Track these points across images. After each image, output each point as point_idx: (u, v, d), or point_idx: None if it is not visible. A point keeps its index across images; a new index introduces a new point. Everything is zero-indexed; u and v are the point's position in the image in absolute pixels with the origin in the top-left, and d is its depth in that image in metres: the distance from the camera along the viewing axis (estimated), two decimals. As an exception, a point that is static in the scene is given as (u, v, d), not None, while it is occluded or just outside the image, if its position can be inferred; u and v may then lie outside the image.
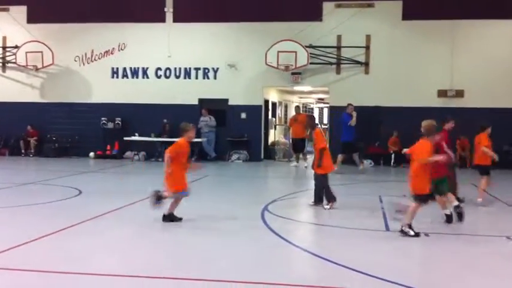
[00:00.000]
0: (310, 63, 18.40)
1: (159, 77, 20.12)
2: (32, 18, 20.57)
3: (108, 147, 20.08)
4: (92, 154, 19.93)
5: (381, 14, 18.73)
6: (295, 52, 18.08)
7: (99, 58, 20.39)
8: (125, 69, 20.28)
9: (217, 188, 12.99)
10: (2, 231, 7.53)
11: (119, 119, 19.88)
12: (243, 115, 19.58)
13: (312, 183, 14.61)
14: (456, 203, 8.39)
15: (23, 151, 20.34)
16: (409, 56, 18.56)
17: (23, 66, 20.03)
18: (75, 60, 20.49)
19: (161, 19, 19.86)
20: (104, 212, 8.79)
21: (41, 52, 19.76)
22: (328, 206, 9.53)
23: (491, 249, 6.89)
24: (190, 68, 19.92)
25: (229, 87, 19.56)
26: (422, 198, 7.21)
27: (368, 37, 18.76)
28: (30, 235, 6.97)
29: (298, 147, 18.48)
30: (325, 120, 27.67)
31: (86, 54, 20.44)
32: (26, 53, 19.82)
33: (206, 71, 19.83)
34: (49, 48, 19.80)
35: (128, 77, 20.28)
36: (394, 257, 6.51)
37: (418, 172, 7.22)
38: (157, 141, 19.24)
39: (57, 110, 20.38)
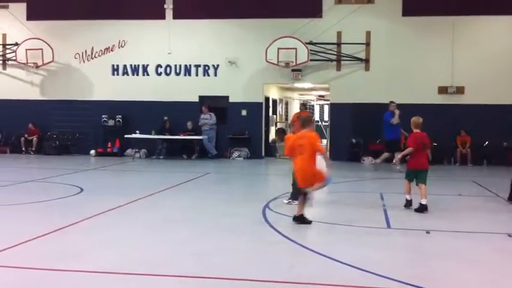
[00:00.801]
0: (311, 60, 18.39)
1: (159, 74, 20.12)
2: (31, 15, 20.57)
3: (109, 144, 20.09)
4: (92, 152, 19.95)
5: (381, 10, 18.71)
6: (296, 49, 18.08)
7: (99, 55, 20.39)
8: (125, 66, 20.27)
9: (218, 186, 13.00)
10: (3, 229, 7.54)
11: (120, 116, 19.89)
12: (244, 112, 19.59)
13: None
14: (424, 201, 8.90)
15: (23, 149, 20.35)
16: (410, 52, 18.55)
17: (23, 63, 20.05)
18: (76, 58, 20.50)
19: (161, 16, 19.85)
20: (105, 210, 8.80)
21: (41, 49, 19.77)
22: (286, 201, 9.62)
23: (492, 247, 6.89)
24: (190, 65, 19.92)
25: (230, 84, 19.56)
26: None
27: (368, 33, 18.75)
28: (31, 233, 6.99)
29: None
30: (326, 117, 27.65)
31: (86, 52, 20.44)
32: (26, 50, 19.84)
33: (206, 68, 19.82)
34: (49, 45, 19.80)
35: (128, 74, 20.29)
36: (395, 254, 6.52)
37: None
38: (158, 138, 19.26)
39: (58, 107, 20.40)
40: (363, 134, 18.56)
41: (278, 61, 18.20)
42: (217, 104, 19.69)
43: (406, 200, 9.29)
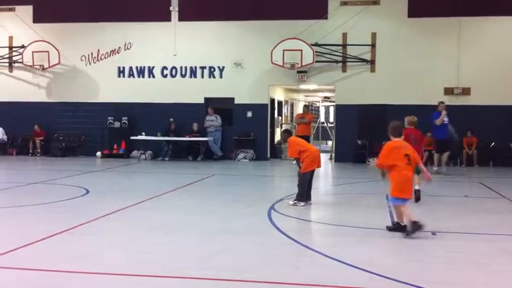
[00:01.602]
0: (316, 62, 18.39)
1: (165, 76, 20.16)
2: (38, 18, 20.66)
3: (115, 146, 20.14)
4: (98, 153, 20.00)
5: (387, 11, 18.69)
6: (301, 50, 18.07)
7: (105, 57, 20.45)
8: (131, 68, 20.33)
9: (224, 187, 13.00)
10: (10, 231, 7.57)
11: (126, 118, 19.94)
12: (249, 114, 19.60)
13: (317, 182, 14.65)
14: (417, 186, 9.67)
15: (30, 151, 20.42)
16: (415, 53, 18.52)
17: (30, 66, 20.12)
18: (82, 60, 20.57)
19: (167, 18, 19.90)
20: (112, 211, 8.81)
21: (47, 52, 19.85)
22: (292, 203, 9.62)
23: (498, 248, 6.86)
24: (196, 67, 19.95)
25: (235, 86, 19.58)
26: None
27: (374, 35, 18.73)
28: (38, 234, 7.01)
29: None
30: (331, 119, 27.62)
31: (92, 54, 20.51)
32: (33, 52, 19.92)
33: (212, 69, 19.85)
34: (55, 47, 19.88)
35: (134, 76, 20.33)
36: (401, 255, 6.51)
37: None
38: (163, 140, 19.30)
39: (64, 109, 20.48)
40: (368, 136, 18.53)
41: (283, 63, 18.20)
42: (223, 106, 19.71)
43: None
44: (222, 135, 19.49)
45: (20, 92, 20.79)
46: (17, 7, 20.80)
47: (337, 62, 18.92)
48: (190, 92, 19.76)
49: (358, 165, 18.04)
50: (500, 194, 11.55)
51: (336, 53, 18.85)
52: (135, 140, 19.43)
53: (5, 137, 20.78)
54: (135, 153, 19.96)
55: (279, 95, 22.76)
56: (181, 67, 20.03)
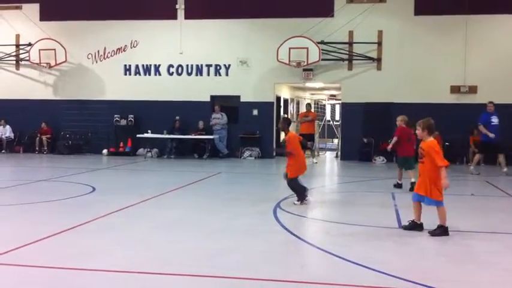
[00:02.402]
0: (322, 60, 18.36)
1: (171, 74, 20.19)
2: (44, 16, 20.73)
3: (121, 144, 20.20)
4: (105, 151, 20.06)
5: (393, 9, 18.64)
6: (307, 48, 18.05)
7: (111, 55, 20.50)
8: (137, 66, 20.37)
9: (230, 185, 13.01)
10: (16, 228, 7.62)
11: (132, 116, 19.99)
12: (255, 112, 19.60)
13: (322, 181, 14.65)
14: (413, 179, 10.39)
15: (37, 148, 20.51)
16: (422, 51, 18.45)
17: (36, 63, 20.20)
18: (88, 58, 20.63)
19: (173, 16, 19.92)
20: (118, 209, 8.85)
21: (54, 49, 19.91)
22: (298, 202, 9.58)
23: (505, 247, 6.85)
24: (202, 65, 19.96)
25: (241, 83, 19.59)
26: None
27: (380, 33, 18.68)
28: (44, 232, 7.05)
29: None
30: (337, 117, 27.60)
31: (98, 52, 20.56)
32: (39, 50, 19.99)
33: (218, 67, 19.86)
34: (62, 45, 19.94)
35: (140, 74, 20.38)
36: (407, 254, 6.50)
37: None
38: (168, 138, 19.34)
39: (70, 107, 20.56)
40: (374, 134, 18.49)
41: (289, 61, 18.18)
42: (229, 104, 19.72)
43: (398, 183, 11.78)
44: (227, 133, 19.50)
45: (26, 89, 20.88)
46: (24, 5, 20.87)
47: (343, 60, 18.89)
48: (196, 90, 19.79)
49: (364, 164, 18.02)
50: (506, 192, 11.52)
51: (342, 51, 18.82)
52: (141, 138, 19.50)
53: (12, 135, 20.87)
54: (141, 151, 20.01)
55: (284, 93, 22.75)
56: (187, 65, 20.05)
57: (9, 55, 21.01)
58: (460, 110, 17.92)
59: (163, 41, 20.05)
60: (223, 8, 19.61)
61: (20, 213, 8.84)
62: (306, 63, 18.24)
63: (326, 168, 18.13)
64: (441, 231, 7.21)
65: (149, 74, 20.32)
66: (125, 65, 20.42)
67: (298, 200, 9.64)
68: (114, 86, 20.46)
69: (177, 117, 19.39)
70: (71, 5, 20.56)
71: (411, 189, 10.35)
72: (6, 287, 5.11)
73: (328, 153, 22.79)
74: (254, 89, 19.59)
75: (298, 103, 26.74)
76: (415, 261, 6.19)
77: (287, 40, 18.19)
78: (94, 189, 11.23)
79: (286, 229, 7.58)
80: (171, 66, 20.17)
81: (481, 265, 5.98)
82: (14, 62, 21.16)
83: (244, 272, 5.58)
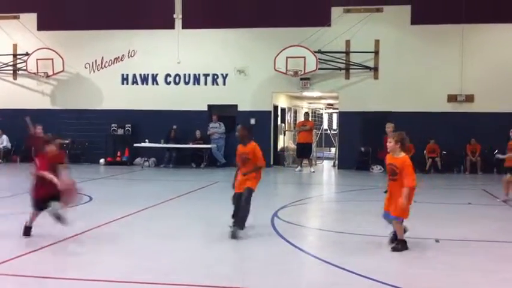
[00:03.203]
0: (319, 69, 18.42)
1: (168, 83, 20.22)
2: (42, 26, 20.77)
3: (119, 153, 20.18)
4: (102, 161, 20.04)
5: (390, 18, 18.73)
6: (304, 57, 18.11)
7: (109, 65, 20.53)
8: (134, 75, 20.39)
9: (227, 194, 12.94)
10: (13, 238, 7.58)
11: (129, 125, 19.99)
12: (252, 121, 19.59)
13: (320, 189, 14.61)
14: None
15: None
16: (419, 60, 18.52)
17: (34, 73, 20.21)
18: (86, 67, 20.66)
19: (170, 26, 19.98)
20: (115, 219, 8.82)
21: (52, 59, 19.93)
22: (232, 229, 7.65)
23: (502, 255, 6.84)
24: (199, 74, 20.00)
25: (239, 93, 19.61)
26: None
27: (377, 42, 18.76)
28: (41, 242, 7.02)
29: (303, 152, 18.62)
30: (335, 126, 27.62)
31: (96, 61, 20.59)
32: (37, 60, 20.00)
33: (215, 77, 19.89)
34: (59, 55, 19.96)
35: (137, 84, 20.40)
36: (404, 263, 6.48)
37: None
38: (166, 147, 19.32)
39: (68, 116, 20.52)
40: (371, 143, 18.51)
41: (287, 70, 18.23)
42: (226, 113, 19.73)
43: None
44: (225, 142, 19.49)
45: (24, 99, 20.85)
46: (22, 15, 20.91)
47: (340, 69, 18.94)
48: (194, 99, 19.80)
49: (361, 173, 18.03)
50: (503, 201, 11.50)
51: (339, 60, 18.87)
52: (139, 147, 19.47)
53: (9, 144, 20.83)
54: (138, 160, 19.99)
55: (282, 102, 22.77)
56: (184, 74, 20.09)
57: (7, 65, 21.03)
58: (457, 118, 17.98)
59: (161, 51, 20.08)
60: (220, 18, 19.67)
61: (17, 223, 8.80)
62: (303, 73, 18.29)
63: (323, 177, 18.14)
64: (402, 245, 6.83)
65: (146, 84, 20.35)
66: (123, 75, 20.44)
67: (234, 226, 7.69)
68: (112, 95, 20.46)
69: (174, 127, 19.39)
70: (68, 15, 20.60)
71: None
72: (2, 298, 5.08)
73: (325, 162, 22.79)
74: (251, 98, 19.61)
75: (295, 112, 26.73)
76: (412, 270, 6.17)
77: (284, 49, 18.25)
78: (91, 198, 11.19)
79: (284, 238, 7.56)
80: (168, 75, 20.19)
81: (479, 274, 5.97)
82: (12, 71, 21.17)
83: (242, 281, 5.56)
